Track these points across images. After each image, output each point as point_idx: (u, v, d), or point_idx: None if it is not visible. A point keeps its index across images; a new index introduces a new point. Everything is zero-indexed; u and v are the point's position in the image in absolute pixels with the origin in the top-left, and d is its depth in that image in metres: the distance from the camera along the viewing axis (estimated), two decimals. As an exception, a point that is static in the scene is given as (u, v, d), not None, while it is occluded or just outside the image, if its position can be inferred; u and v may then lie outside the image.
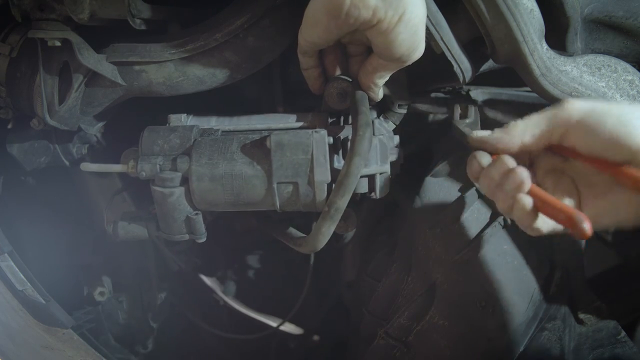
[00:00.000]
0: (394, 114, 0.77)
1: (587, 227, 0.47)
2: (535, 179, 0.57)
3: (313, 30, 0.60)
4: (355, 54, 0.69)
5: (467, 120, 0.65)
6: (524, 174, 0.53)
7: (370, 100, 0.68)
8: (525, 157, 0.58)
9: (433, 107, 0.70)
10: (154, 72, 0.71)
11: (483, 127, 0.67)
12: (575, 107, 0.52)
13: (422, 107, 0.70)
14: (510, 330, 0.79)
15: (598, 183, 0.54)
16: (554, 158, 0.57)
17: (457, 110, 0.67)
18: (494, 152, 0.58)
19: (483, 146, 0.59)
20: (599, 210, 0.53)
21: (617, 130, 0.49)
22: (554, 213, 0.50)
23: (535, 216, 0.52)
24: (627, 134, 0.49)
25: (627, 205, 0.51)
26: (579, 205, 0.54)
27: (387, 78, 0.67)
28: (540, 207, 0.52)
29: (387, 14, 0.54)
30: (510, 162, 0.55)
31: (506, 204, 0.55)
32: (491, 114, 0.65)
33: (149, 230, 0.73)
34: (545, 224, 0.53)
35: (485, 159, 0.58)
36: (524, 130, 0.55)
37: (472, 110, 0.66)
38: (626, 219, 0.51)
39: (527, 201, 0.52)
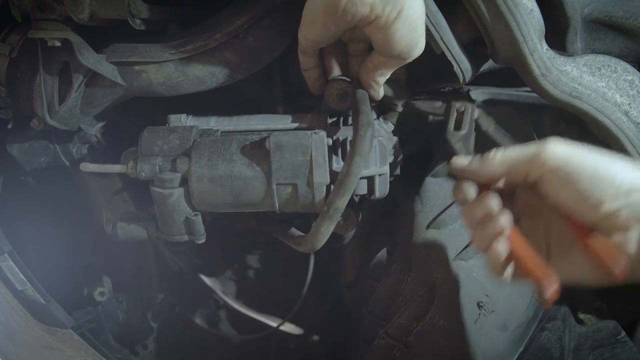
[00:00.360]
0: (393, 114, 0.77)
1: (551, 295, 0.46)
2: (515, 212, 0.56)
3: (312, 27, 0.60)
4: (356, 53, 0.69)
5: (461, 132, 0.64)
6: (505, 222, 0.52)
7: (371, 99, 0.68)
8: (509, 185, 0.57)
9: (432, 107, 0.69)
10: (154, 72, 0.71)
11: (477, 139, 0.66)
12: (554, 153, 0.50)
13: (422, 106, 0.69)
14: (510, 330, 0.79)
15: (567, 234, 0.52)
16: (533, 193, 0.55)
17: (452, 118, 0.65)
18: (474, 181, 0.57)
19: (463, 175, 0.58)
20: (563, 268, 0.51)
21: (588, 189, 0.47)
22: (525, 268, 0.50)
23: (506, 265, 0.52)
24: (598, 197, 0.47)
25: (585, 269, 0.50)
26: (547, 257, 0.53)
27: (388, 76, 0.67)
28: (514, 256, 0.51)
29: (384, 10, 0.54)
30: (494, 204, 0.54)
31: (482, 245, 0.54)
32: (485, 124, 0.63)
33: (148, 231, 0.73)
34: (511, 275, 0.52)
35: (471, 191, 0.57)
36: (500, 164, 0.54)
37: (468, 119, 0.65)
38: (585, 281, 0.50)
39: (503, 250, 0.52)
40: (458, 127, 0.64)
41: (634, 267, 0.47)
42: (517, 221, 0.55)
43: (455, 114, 0.65)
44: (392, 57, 0.61)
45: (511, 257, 0.51)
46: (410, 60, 0.62)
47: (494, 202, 0.54)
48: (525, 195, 0.56)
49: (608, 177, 0.47)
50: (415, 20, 0.57)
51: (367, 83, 0.67)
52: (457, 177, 0.59)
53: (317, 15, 0.58)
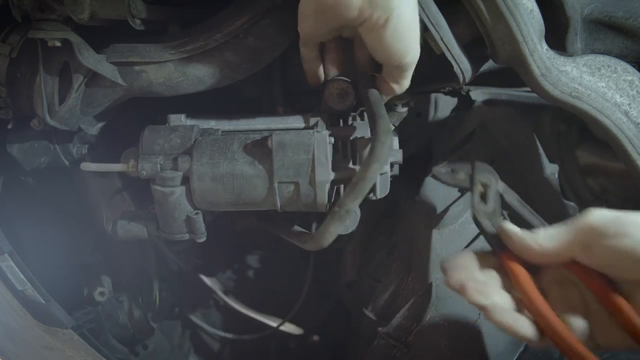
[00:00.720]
0: (394, 114, 0.77)
1: None
2: (539, 285, 0.53)
3: (305, 23, 0.62)
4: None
5: (488, 209, 0.61)
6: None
7: None
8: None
9: (455, 180, 0.67)
10: (154, 72, 0.71)
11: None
12: (598, 215, 0.48)
13: (445, 179, 0.67)
14: (510, 330, 0.79)
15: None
16: (564, 269, 0.53)
17: (477, 193, 0.63)
18: (514, 251, 0.54)
19: (506, 240, 0.54)
20: (609, 332, 0.48)
21: None
22: (564, 350, 0.47)
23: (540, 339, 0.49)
24: None
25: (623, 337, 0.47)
26: (589, 321, 0.50)
27: (405, 84, 0.66)
28: (549, 334, 0.48)
29: (372, 15, 0.55)
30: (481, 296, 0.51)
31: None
32: (509, 197, 0.62)
33: (149, 230, 0.73)
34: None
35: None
36: (546, 239, 0.51)
37: (492, 193, 0.62)
38: (632, 349, 0.47)
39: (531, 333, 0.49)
40: (483, 200, 0.62)
41: None
42: (547, 291, 0.53)
43: (479, 188, 0.63)
44: (383, 61, 0.62)
45: (545, 332, 0.49)
46: (405, 68, 0.62)
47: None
48: (555, 268, 0.54)
49: None
50: (402, 30, 0.57)
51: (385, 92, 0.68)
52: (502, 242, 0.55)
53: (308, 12, 0.59)
